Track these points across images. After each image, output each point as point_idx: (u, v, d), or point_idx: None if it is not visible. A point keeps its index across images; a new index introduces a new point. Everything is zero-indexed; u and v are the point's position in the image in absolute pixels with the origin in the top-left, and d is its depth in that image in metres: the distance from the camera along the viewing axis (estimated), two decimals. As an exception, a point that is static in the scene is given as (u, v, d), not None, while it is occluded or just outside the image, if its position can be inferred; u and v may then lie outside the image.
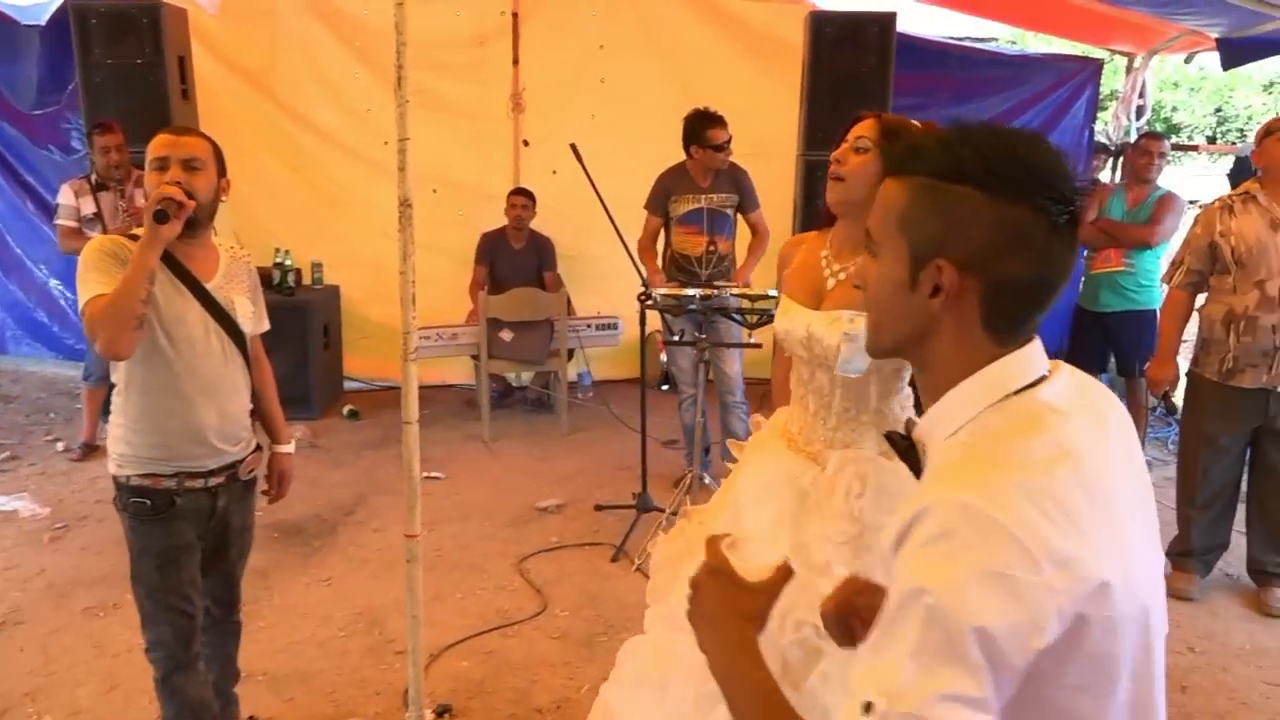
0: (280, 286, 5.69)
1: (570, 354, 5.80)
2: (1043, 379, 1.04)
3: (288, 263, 5.82)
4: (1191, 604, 3.71)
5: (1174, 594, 3.75)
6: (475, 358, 5.67)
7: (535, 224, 6.02)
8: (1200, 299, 3.68)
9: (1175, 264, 3.65)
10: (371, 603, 3.63)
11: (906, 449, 1.14)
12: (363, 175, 6.20)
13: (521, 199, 5.89)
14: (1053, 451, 0.95)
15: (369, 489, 4.76)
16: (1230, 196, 3.53)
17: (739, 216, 4.81)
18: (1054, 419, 0.99)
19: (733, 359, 4.60)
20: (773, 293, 3.87)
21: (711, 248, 4.62)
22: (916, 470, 1.13)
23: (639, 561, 3.92)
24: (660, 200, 4.69)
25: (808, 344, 2.07)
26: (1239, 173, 5.32)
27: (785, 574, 1.19)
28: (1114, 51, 6.41)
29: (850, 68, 5.71)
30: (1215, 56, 5.85)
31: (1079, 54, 6.58)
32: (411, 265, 2.51)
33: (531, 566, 3.96)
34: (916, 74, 6.10)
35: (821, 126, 5.82)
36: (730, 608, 1.16)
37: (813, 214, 5.80)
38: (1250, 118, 12.18)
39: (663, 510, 4.17)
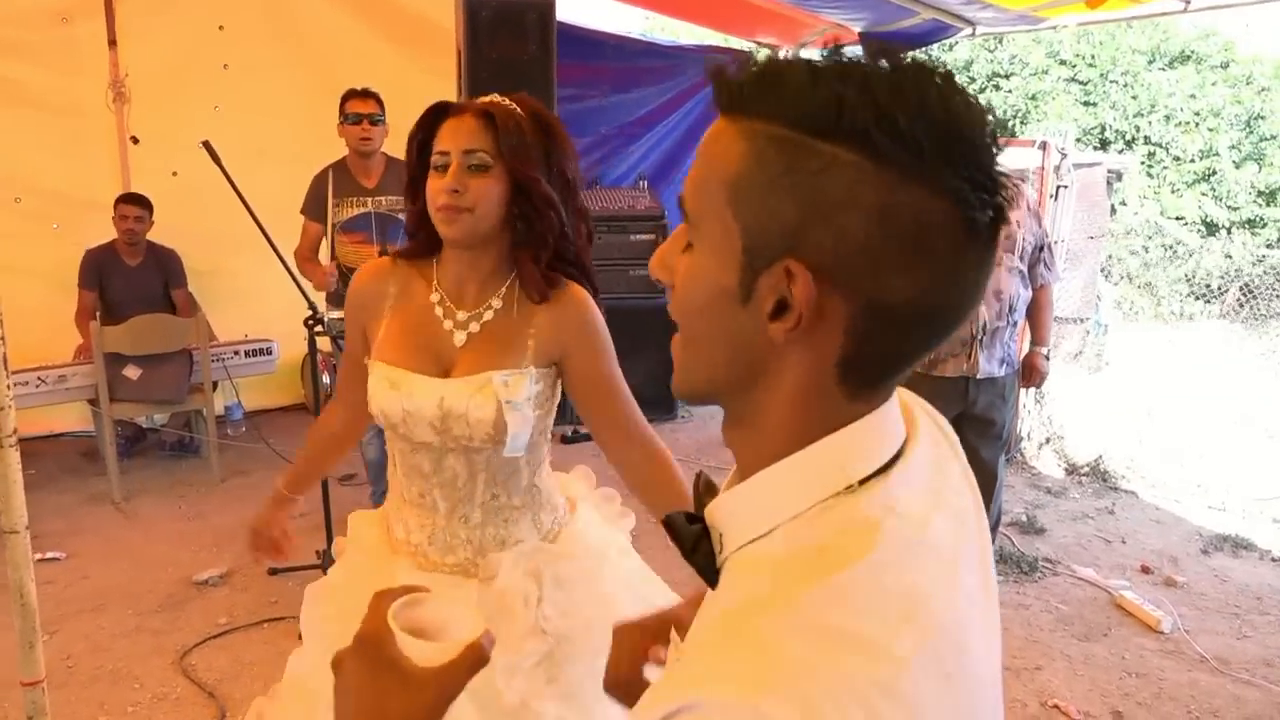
0: None
1: (215, 385, 4.95)
2: (896, 457, 0.70)
3: None
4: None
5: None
6: (94, 402, 4.65)
7: (158, 235, 5.06)
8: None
9: None
10: (-25, 752, 2.75)
11: (697, 539, 0.74)
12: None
13: (133, 209, 4.88)
14: (897, 617, 0.61)
15: (-42, 587, 3.70)
16: None
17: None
18: (903, 552, 0.65)
19: (419, 382, 4.07)
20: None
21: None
22: (710, 575, 0.74)
23: (334, 635, 3.30)
24: (318, 203, 4.03)
25: (442, 424, 1.57)
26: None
27: (476, 658, 0.84)
28: (760, 44, 6.54)
29: (510, 55, 5.37)
30: (857, 51, 6.15)
31: (730, 47, 6.66)
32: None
33: (198, 661, 3.21)
34: (576, 64, 5.84)
35: (485, 119, 5.45)
36: (380, 706, 0.82)
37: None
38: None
39: (356, 568, 3.56)
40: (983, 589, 0.71)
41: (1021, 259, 3.45)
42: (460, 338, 1.61)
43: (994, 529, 3.81)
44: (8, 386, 1.80)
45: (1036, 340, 3.69)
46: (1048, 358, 3.72)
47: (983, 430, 3.58)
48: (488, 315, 1.60)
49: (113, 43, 5.28)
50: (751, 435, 0.72)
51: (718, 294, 0.68)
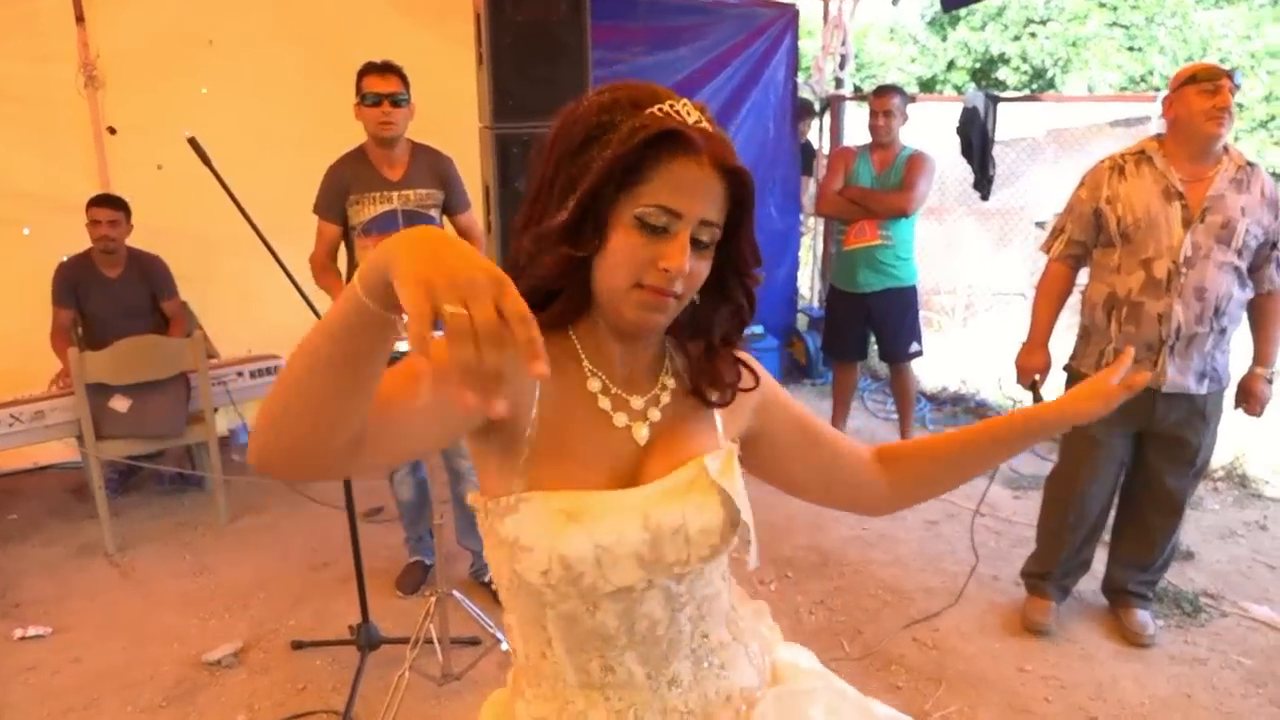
0: None
1: (216, 410, 4.31)
2: None
3: None
4: (1051, 640, 3.13)
5: (1029, 627, 3.18)
6: (79, 439, 4.01)
7: (143, 238, 4.38)
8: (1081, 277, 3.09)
9: (1055, 232, 3.03)
10: None
11: None
12: None
13: (106, 211, 4.17)
14: None
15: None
16: (1123, 155, 2.90)
17: (444, 220, 3.61)
18: None
19: (460, 412, 3.43)
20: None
21: (411, 264, 3.37)
22: None
23: (382, 738, 2.70)
24: (335, 201, 3.36)
25: (653, 550, 1.06)
26: (968, 124, 4.91)
27: None
28: (811, -5, 5.85)
29: (537, 16, 4.67)
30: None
31: (773, 0, 5.95)
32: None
33: (213, 782, 2.62)
34: (606, 24, 5.16)
35: (511, 91, 4.69)
36: None
37: (511, 198, 4.72)
38: (882, 64, 12.60)
39: (404, 641, 2.94)
40: None
41: (1240, 255, 2.77)
42: (643, 432, 1.13)
43: (1162, 569, 3.20)
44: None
45: (1257, 359, 2.99)
46: (1269, 381, 2.99)
47: (1170, 453, 2.95)
48: (665, 398, 1.16)
49: (80, 19, 4.60)
50: None
51: None
